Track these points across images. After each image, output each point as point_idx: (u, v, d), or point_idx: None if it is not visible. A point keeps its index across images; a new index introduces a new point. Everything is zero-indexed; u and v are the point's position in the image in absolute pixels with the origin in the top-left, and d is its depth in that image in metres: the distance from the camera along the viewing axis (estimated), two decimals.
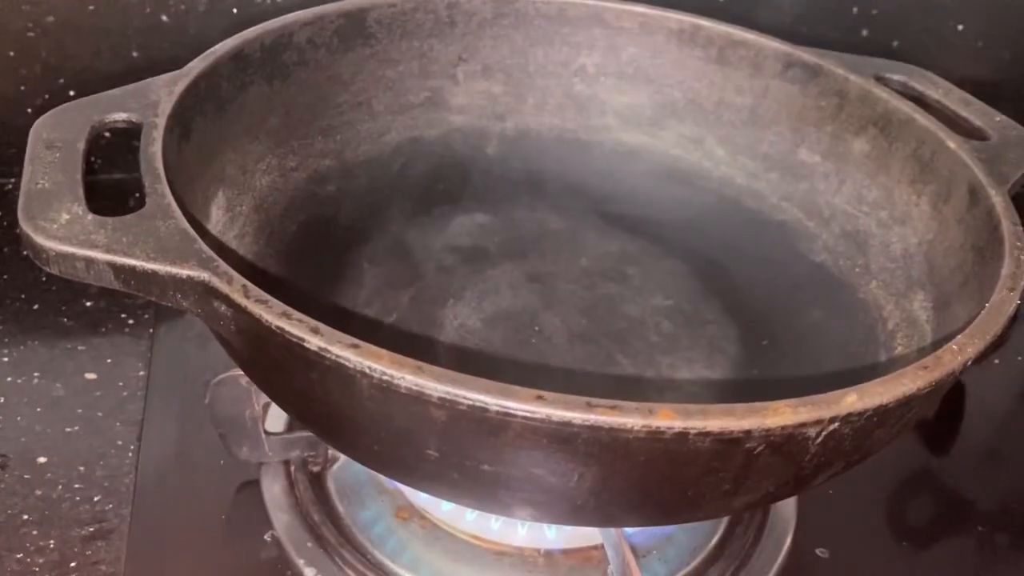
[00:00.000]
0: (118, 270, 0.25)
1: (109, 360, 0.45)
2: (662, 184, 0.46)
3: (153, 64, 0.55)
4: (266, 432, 0.38)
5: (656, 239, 0.45)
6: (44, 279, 0.49)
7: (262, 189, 0.39)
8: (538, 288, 0.43)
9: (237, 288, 0.24)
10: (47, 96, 0.55)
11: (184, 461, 0.40)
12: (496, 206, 0.46)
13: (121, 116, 0.31)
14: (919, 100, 0.41)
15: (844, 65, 0.42)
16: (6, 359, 0.45)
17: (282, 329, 0.23)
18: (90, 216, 0.26)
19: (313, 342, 0.23)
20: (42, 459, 0.40)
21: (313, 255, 0.40)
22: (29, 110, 0.55)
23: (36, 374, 0.44)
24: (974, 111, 0.39)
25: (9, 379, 0.44)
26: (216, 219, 0.35)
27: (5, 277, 0.49)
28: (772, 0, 0.61)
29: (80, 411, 0.42)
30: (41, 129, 0.30)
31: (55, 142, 0.29)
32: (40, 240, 0.25)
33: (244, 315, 0.24)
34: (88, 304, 0.48)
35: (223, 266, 0.25)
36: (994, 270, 0.30)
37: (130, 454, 0.40)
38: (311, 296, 0.38)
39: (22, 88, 0.54)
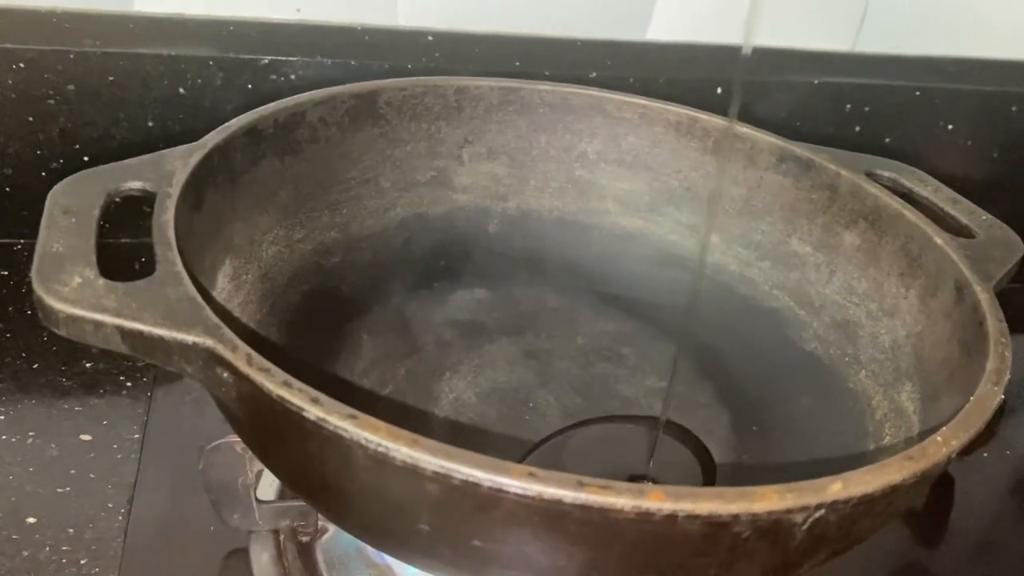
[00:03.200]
0: (125, 334, 0.26)
1: (105, 422, 0.45)
2: (658, 268, 0.47)
3: (168, 134, 0.56)
4: (258, 500, 0.38)
5: (651, 320, 0.46)
6: (46, 338, 0.50)
7: (268, 259, 0.40)
8: (534, 365, 0.43)
9: (241, 356, 0.25)
10: (62, 161, 0.56)
11: (173, 526, 0.40)
12: (496, 282, 0.47)
13: (136, 185, 0.32)
14: (908, 196, 0.43)
15: (836, 160, 0.43)
16: (2, 417, 0.45)
17: (282, 398, 0.24)
18: (101, 280, 0.27)
19: (312, 412, 0.23)
20: (31, 520, 0.40)
21: (315, 325, 0.40)
22: (44, 174, 0.56)
23: (31, 433, 0.44)
24: (961, 209, 0.41)
25: (4, 437, 0.44)
26: (222, 287, 0.36)
27: (8, 335, 0.50)
28: (769, 95, 0.63)
29: (73, 472, 0.42)
30: (58, 195, 0.31)
31: (71, 208, 0.30)
32: (51, 302, 0.26)
33: (246, 382, 0.25)
34: (88, 365, 0.48)
35: (228, 333, 0.26)
36: (979, 365, 0.31)
37: (120, 517, 0.40)
38: (310, 365, 0.39)
39: (39, 152, 0.56)
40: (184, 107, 0.56)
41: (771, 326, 0.44)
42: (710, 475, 0.39)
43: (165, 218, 0.30)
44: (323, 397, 0.24)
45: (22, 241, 0.58)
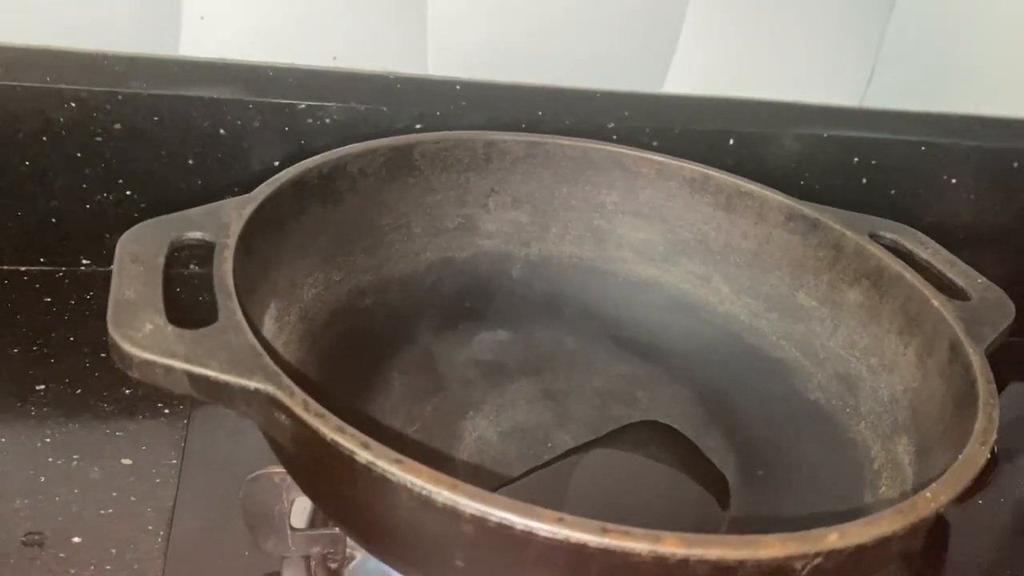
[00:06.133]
0: (193, 378, 0.28)
1: (144, 447, 0.48)
2: (671, 315, 0.50)
3: (207, 172, 0.59)
4: (291, 528, 0.40)
5: (664, 365, 0.49)
6: (88, 364, 0.52)
7: (308, 301, 0.42)
8: (552, 405, 0.46)
9: (298, 402, 0.27)
10: (106, 194, 0.59)
11: (210, 549, 0.42)
12: (517, 324, 0.50)
13: (196, 235, 0.35)
14: (909, 257, 0.45)
15: (841, 221, 0.46)
16: (48, 440, 0.47)
17: (336, 442, 0.26)
18: (170, 327, 0.30)
19: (363, 455, 0.26)
20: (77, 539, 0.42)
21: (349, 363, 0.43)
22: (88, 206, 0.59)
23: (76, 456, 0.47)
24: (958, 272, 0.43)
25: (50, 459, 0.46)
26: (268, 328, 0.39)
27: (52, 361, 0.53)
28: (779, 148, 0.66)
29: (115, 495, 0.45)
30: (127, 242, 0.34)
31: (139, 256, 0.33)
32: (127, 347, 0.29)
33: (302, 426, 0.27)
34: (127, 392, 0.51)
35: (286, 380, 0.28)
36: (970, 423, 0.33)
37: (159, 539, 0.43)
38: (347, 402, 0.41)
39: (84, 186, 0.58)
40: (223, 147, 0.59)
41: (777, 375, 0.46)
42: (723, 496, 0.41)
43: (224, 268, 0.33)
44: (372, 442, 0.26)
45: (64, 268, 0.61)
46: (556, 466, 0.43)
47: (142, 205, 0.60)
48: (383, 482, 0.26)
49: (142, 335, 0.29)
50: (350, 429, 0.27)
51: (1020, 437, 0.57)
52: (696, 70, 0.66)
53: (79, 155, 0.58)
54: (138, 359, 0.29)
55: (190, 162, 0.59)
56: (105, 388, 0.51)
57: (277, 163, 0.59)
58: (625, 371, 0.48)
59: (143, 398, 0.51)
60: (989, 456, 0.31)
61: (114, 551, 0.42)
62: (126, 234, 0.34)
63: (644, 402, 0.47)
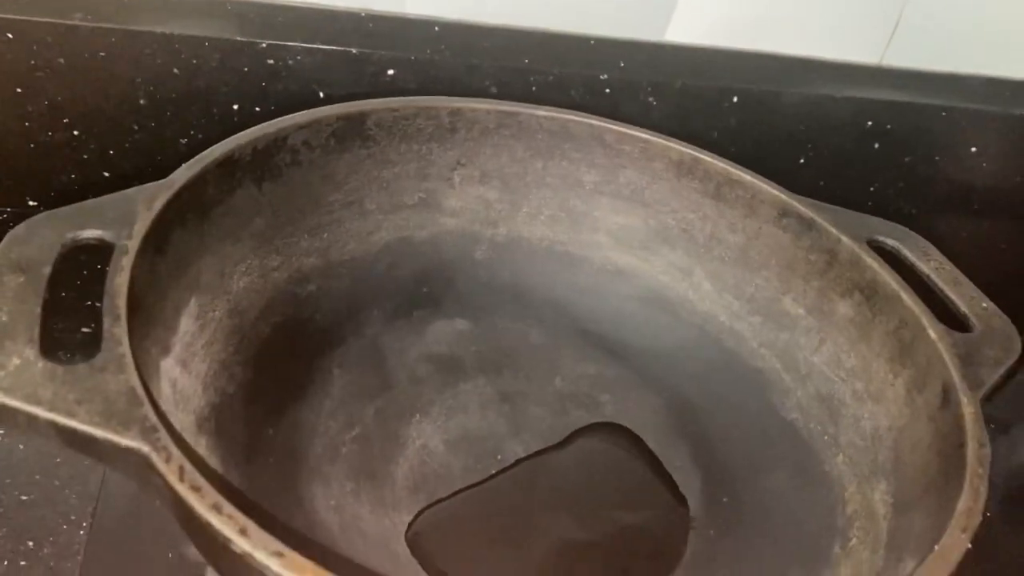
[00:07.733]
0: (59, 430, 0.25)
1: None
2: (646, 310, 0.46)
3: (160, 113, 0.54)
4: None
5: (633, 366, 0.45)
6: None
7: (239, 292, 0.39)
8: (507, 410, 0.42)
9: (173, 468, 0.24)
10: (51, 133, 0.55)
11: (133, 548, 0.40)
12: (478, 313, 0.46)
13: (94, 234, 0.31)
14: (910, 270, 0.41)
15: (838, 223, 0.41)
16: None
17: (210, 524, 0.23)
18: (40, 363, 0.26)
19: (239, 544, 0.23)
20: None
21: (284, 360, 0.39)
22: (32, 145, 0.55)
23: (0, 432, 0.44)
24: (961, 294, 0.39)
25: None
26: (185, 329, 0.35)
27: None
28: (786, 108, 0.60)
29: (38, 477, 0.42)
30: (10, 245, 0.30)
31: (21, 262, 0.29)
32: None
33: (177, 499, 0.24)
34: (63, 356, 0.48)
35: (164, 439, 0.25)
36: (954, 491, 0.30)
37: (81, 532, 0.40)
38: (276, 409, 0.38)
39: (27, 124, 0.54)
40: (177, 87, 0.54)
41: (754, 386, 0.43)
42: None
43: (118, 281, 0.29)
44: (252, 527, 0.23)
45: (8, 210, 0.57)
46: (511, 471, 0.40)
47: (91, 146, 0.56)
48: (262, 573, 0.23)
49: (5, 373, 0.25)
50: (228, 508, 0.23)
51: None
52: (703, 17, 0.60)
53: (19, 90, 0.53)
54: None
55: (142, 102, 0.54)
56: (42, 352, 0.48)
57: (235, 106, 0.55)
58: (591, 371, 0.44)
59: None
60: (969, 547, 0.27)
61: (31, 543, 0.40)
62: (11, 234, 0.30)
63: (608, 407, 0.43)
